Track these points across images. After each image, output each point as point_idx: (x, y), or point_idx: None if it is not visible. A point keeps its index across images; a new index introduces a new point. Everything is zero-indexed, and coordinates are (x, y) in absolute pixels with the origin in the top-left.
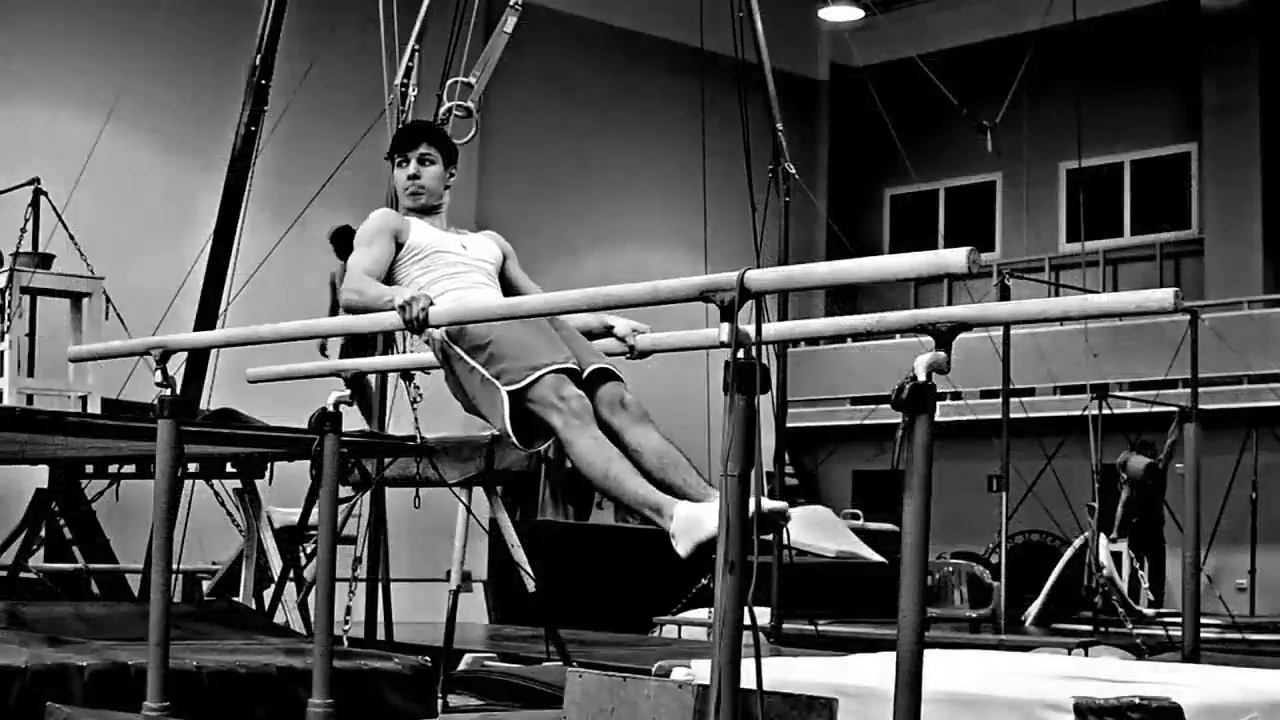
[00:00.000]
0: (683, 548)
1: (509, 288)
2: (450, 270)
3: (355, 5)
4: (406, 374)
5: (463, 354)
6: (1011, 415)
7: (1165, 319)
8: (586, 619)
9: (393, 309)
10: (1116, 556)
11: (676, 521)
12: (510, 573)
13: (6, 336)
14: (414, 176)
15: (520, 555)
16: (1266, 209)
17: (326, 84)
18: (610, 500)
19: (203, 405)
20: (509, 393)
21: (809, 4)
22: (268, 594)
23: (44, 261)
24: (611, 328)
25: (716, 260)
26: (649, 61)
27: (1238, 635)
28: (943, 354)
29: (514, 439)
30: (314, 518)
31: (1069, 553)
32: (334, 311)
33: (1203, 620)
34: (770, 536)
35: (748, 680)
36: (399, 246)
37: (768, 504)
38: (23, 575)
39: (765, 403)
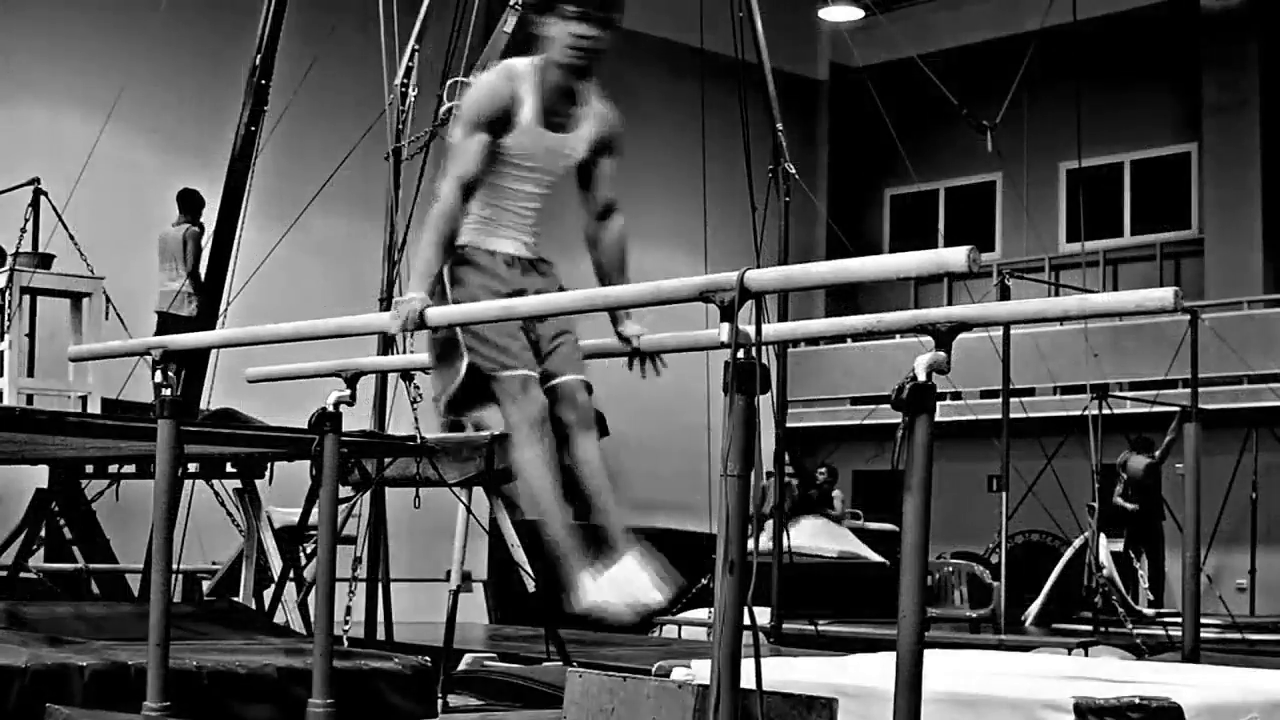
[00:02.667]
0: (584, 604)
1: (586, 185)
2: (527, 204)
3: (355, 5)
4: (406, 374)
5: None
6: (1011, 415)
7: (1165, 319)
8: (586, 619)
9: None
10: (1116, 556)
11: (585, 588)
12: (510, 573)
13: (6, 336)
14: (591, 37)
15: (520, 555)
16: (1266, 209)
17: (326, 84)
18: (531, 514)
19: (202, 405)
20: (470, 365)
21: (809, 4)
22: (268, 594)
23: (44, 261)
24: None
25: (716, 260)
26: (649, 62)
27: (1238, 635)
28: (943, 354)
29: (450, 406)
30: (314, 518)
31: (1069, 553)
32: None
33: (1203, 620)
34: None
35: (748, 680)
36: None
37: None
38: (23, 575)
39: (765, 403)
